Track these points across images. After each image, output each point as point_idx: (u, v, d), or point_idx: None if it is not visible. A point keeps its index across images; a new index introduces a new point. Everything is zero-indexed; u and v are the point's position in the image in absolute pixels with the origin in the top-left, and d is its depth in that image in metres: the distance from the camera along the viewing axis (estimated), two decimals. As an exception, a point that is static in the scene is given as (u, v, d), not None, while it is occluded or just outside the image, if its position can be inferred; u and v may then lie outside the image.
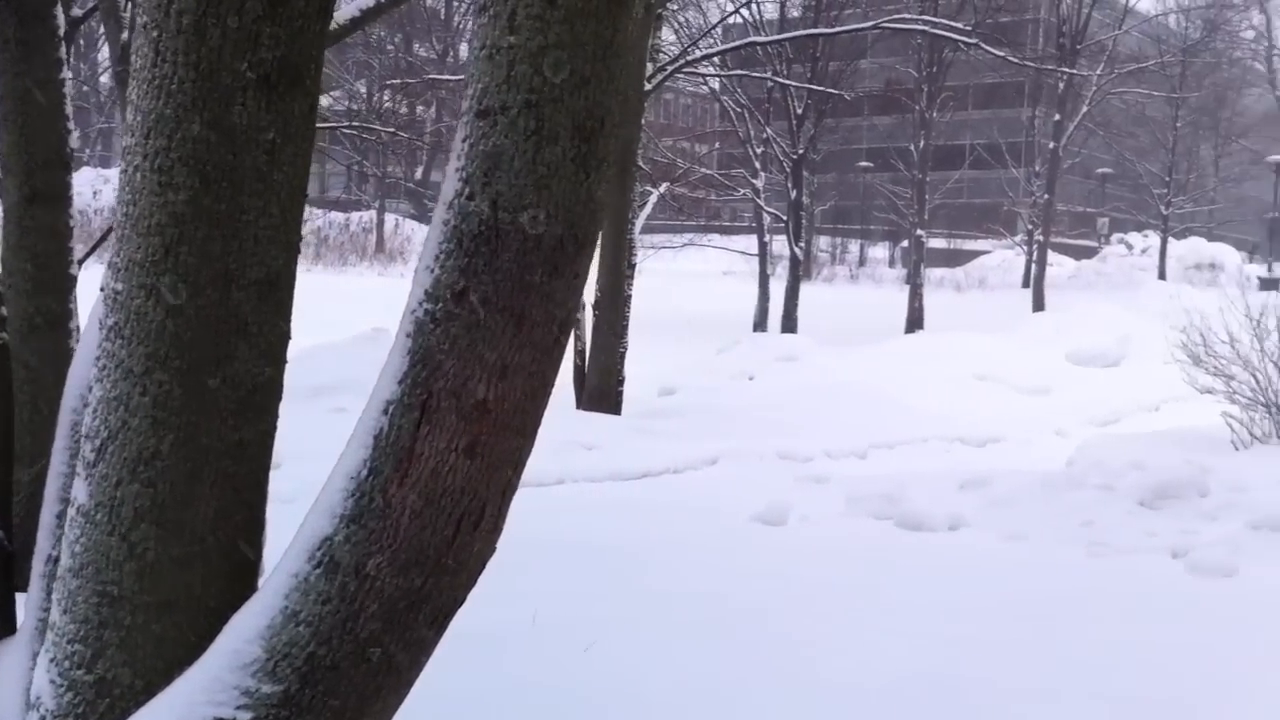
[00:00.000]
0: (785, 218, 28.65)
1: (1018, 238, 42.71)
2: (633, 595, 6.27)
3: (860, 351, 20.62)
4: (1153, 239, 48.02)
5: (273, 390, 2.66)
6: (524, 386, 2.54)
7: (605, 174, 2.59)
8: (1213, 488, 9.03)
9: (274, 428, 2.68)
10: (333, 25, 4.88)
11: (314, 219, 41.10)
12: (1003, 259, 47.84)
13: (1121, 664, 5.65)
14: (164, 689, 2.56)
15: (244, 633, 2.53)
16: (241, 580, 2.66)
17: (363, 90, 44.93)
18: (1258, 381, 13.03)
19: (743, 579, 6.92)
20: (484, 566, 2.64)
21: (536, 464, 9.57)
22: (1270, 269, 45.20)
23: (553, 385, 2.64)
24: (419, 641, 2.58)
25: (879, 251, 55.13)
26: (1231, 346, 13.33)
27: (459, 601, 2.63)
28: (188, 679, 2.54)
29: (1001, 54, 14.24)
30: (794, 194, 28.16)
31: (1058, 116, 34.06)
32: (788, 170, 28.56)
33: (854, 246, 54.26)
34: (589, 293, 16.14)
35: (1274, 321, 13.34)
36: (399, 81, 35.56)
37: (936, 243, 50.52)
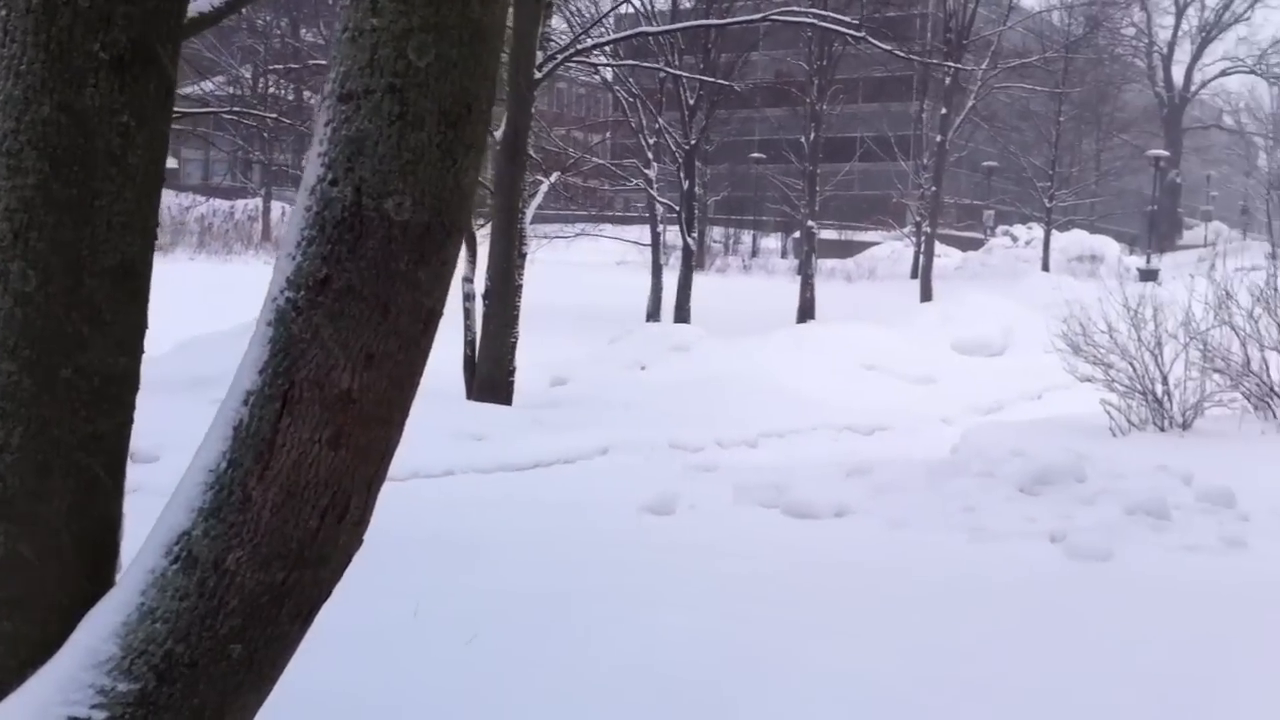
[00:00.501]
0: (678, 208, 28.73)
1: (907, 229, 43.35)
2: (518, 588, 6.22)
3: (752, 341, 20.73)
4: (1037, 231, 49.07)
5: (128, 381, 2.58)
6: (390, 376, 2.50)
7: (474, 160, 2.55)
8: (1090, 474, 9.24)
9: (130, 420, 2.61)
10: (203, 9, 4.76)
11: (198, 207, 40.26)
12: (892, 250, 48.54)
13: (1000, 649, 5.74)
14: (16, 688, 2.47)
15: (99, 630, 2.45)
16: (97, 576, 2.58)
17: (248, 75, 44.08)
18: (1135, 370, 13.37)
19: (631, 570, 6.91)
20: (349, 560, 2.59)
21: (424, 455, 9.58)
22: (1149, 260, 46.45)
23: (420, 375, 2.60)
24: (282, 637, 2.52)
25: (771, 242, 55.61)
26: (1110, 336, 13.66)
27: (324, 596, 2.58)
28: (41, 678, 2.46)
29: (888, 48, 14.44)
30: (686, 185, 28.26)
31: (944, 110, 34.62)
32: (680, 161, 28.65)
33: (747, 237, 54.65)
34: (479, 282, 16.04)
35: (1150, 311, 13.70)
36: (284, 67, 34.94)
37: (828, 234, 51.08)
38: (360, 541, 2.61)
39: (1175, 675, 5.41)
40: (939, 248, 49.11)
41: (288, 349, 2.43)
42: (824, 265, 44.82)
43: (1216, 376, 13.58)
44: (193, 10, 4.60)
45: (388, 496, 8.36)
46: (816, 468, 10.45)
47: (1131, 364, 13.38)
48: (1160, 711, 4.94)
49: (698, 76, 25.88)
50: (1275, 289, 13.87)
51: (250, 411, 2.45)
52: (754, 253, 52.58)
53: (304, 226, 2.45)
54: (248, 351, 2.50)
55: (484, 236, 16.42)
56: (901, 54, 13.52)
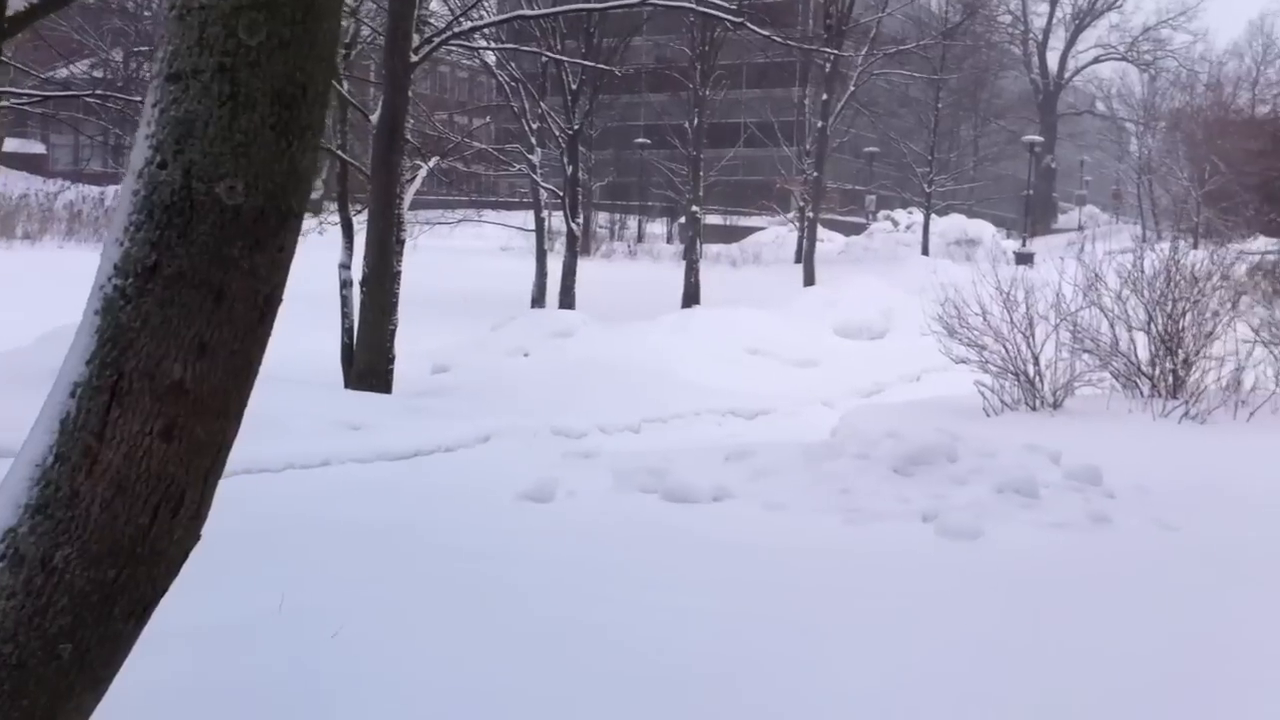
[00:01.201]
0: (562, 194, 28.63)
1: (790, 214, 43.77)
2: (388, 579, 6.13)
3: (636, 327, 20.78)
4: (917, 216, 49.89)
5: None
6: (225, 366, 2.42)
7: (311, 142, 2.48)
8: (962, 454, 9.39)
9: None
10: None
11: (66, 193, 39.09)
12: (777, 235, 48.96)
13: (869, 627, 5.80)
14: None
15: (-81, 633, 2.34)
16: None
17: (118, 59, 42.85)
18: (1007, 351, 13.66)
19: (506, 559, 6.85)
20: (186, 555, 2.51)
21: (299, 446, 9.39)
22: (1024, 244, 47.48)
23: (259, 364, 2.52)
24: (115, 636, 2.44)
25: (657, 228, 55.71)
26: (983, 319, 13.91)
27: (159, 593, 2.49)
28: None
29: (766, 34, 14.53)
30: (570, 170, 28.17)
31: (825, 96, 34.99)
32: (563, 146, 28.54)
33: (632, 222, 54.70)
34: (356, 269, 15.80)
35: (1022, 294, 13.99)
36: (153, 49, 33.98)
37: (713, 219, 51.33)
38: (197, 537, 2.52)
39: (1041, 649, 5.52)
40: (822, 232, 49.65)
41: (116, 338, 2.35)
42: (709, 250, 45.02)
43: (1086, 357, 13.93)
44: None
45: (261, 487, 8.27)
46: (696, 452, 10.48)
47: (1004, 346, 13.67)
48: (1025, 684, 5.03)
49: (578, 61, 25.78)
50: (1142, 271, 14.24)
51: (77, 404, 2.36)
52: (640, 238, 52.63)
53: (131, 211, 2.36)
54: (75, 341, 2.40)
55: (361, 223, 16.20)
56: (779, 39, 13.62)
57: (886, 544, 7.65)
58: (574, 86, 27.75)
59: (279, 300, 2.52)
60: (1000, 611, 6.21)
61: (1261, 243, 31.76)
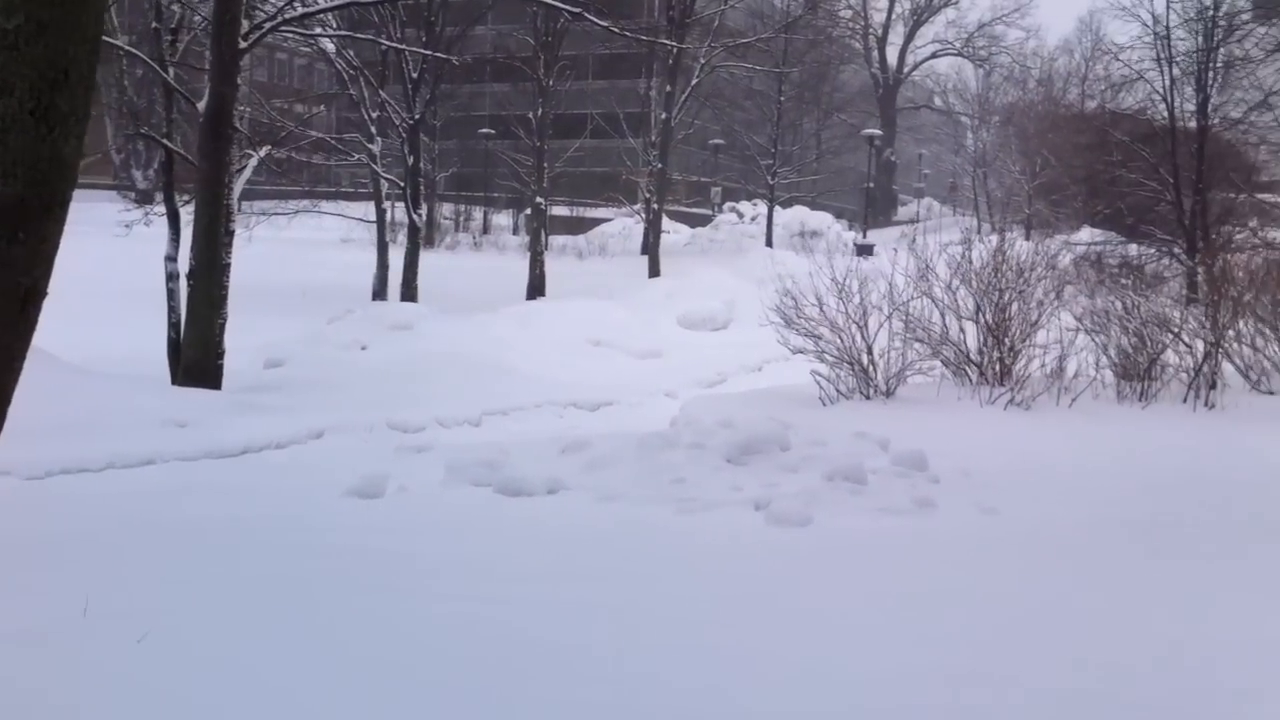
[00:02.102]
0: (403, 184, 28.21)
1: (637, 206, 43.90)
2: (205, 579, 5.96)
3: (478, 319, 20.64)
4: (761, 208, 50.49)
5: None
6: (-17, 361, 2.30)
7: (75, 129, 2.37)
8: (794, 442, 9.53)
9: None
10: None
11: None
12: (623, 226, 49.08)
13: (699, 612, 5.85)
14: None
15: None
16: None
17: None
18: (842, 341, 13.88)
19: (328, 557, 6.71)
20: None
21: (121, 444, 9.09)
22: (864, 235, 48.43)
23: (22, 357, 2.40)
24: None
25: (503, 219, 55.31)
26: (819, 309, 14.12)
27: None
28: None
29: (605, 24, 14.51)
30: (411, 160, 27.77)
31: (669, 88, 35.15)
32: (404, 136, 28.13)
33: (478, 214, 54.25)
34: (183, 261, 15.35)
35: (856, 285, 14.24)
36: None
37: (559, 210, 51.24)
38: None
39: (862, 630, 5.63)
40: (669, 224, 49.94)
41: None
42: (555, 242, 44.93)
43: (918, 346, 14.25)
44: None
45: (80, 487, 7.98)
46: (532, 444, 10.44)
47: (839, 336, 13.89)
48: (846, 663, 5.13)
49: (417, 50, 25.40)
50: (970, 263, 14.62)
51: None
52: (485, 229, 52.23)
53: (-122, 201, 2.22)
54: None
55: (190, 214, 15.73)
56: (617, 30, 13.62)
57: (717, 532, 7.72)
58: (414, 75, 27.35)
59: (43, 293, 2.41)
60: (825, 594, 6.31)
61: (1088, 234, 32.89)
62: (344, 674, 4.72)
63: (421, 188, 30.94)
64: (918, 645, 5.38)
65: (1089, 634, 5.58)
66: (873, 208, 61.71)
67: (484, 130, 51.39)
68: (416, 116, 27.54)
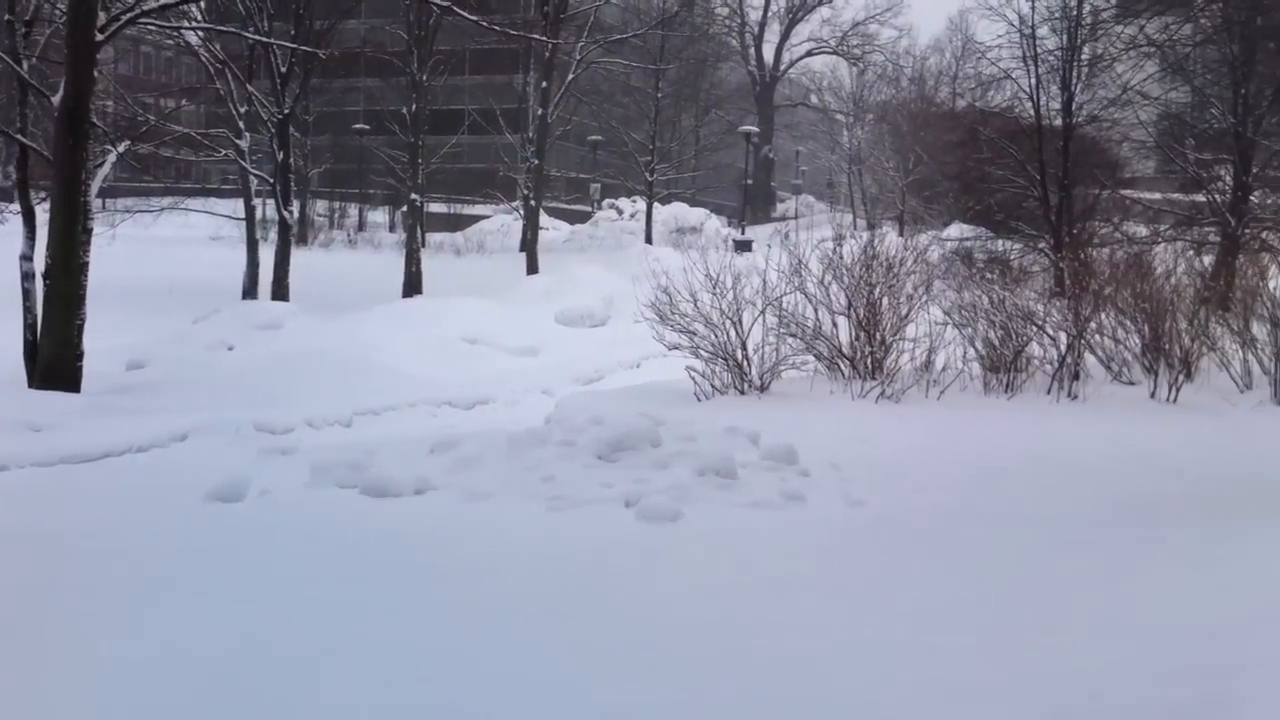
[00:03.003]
0: (273, 180, 27.62)
1: (515, 203, 43.66)
2: (48, 589, 5.71)
3: (351, 318, 20.31)
4: (640, 204, 50.60)
5: None
6: None
7: None
8: (665, 438, 9.49)
9: None
10: None
11: None
12: (502, 224, 48.79)
13: (567, 612, 5.79)
14: None
15: None
16: None
17: None
18: (717, 337, 13.91)
19: (179, 562, 6.50)
20: None
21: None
22: (743, 231, 48.80)
23: None
24: None
25: (379, 216, 54.57)
26: (694, 305, 14.13)
27: None
28: None
29: (474, 19, 14.31)
30: (281, 156, 27.20)
31: (545, 84, 35.00)
32: (273, 131, 27.53)
33: (353, 210, 53.43)
34: (39, 260, 14.83)
35: (730, 280, 14.27)
36: None
37: (437, 207, 50.71)
38: None
39: (723, 622, 5.62)
40: (550, 221, 49.77)
41: None
42: (433, 239, 44.51)
43: (792, 341, 14.34)
44: None
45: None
46: (400, 443, 10.26)
47: (714, 331, 13.92)
48: (717, 655, 5.13)
49: (283, 43, 24.83)
50: (841, 258, 14.76)
51: None
52: (361, 226, 51.44)
53: None
54: None
55: (46, 211, 15.18)
56: (486, 24, 13.41)
57: (587, 530, 7.65)
58: (283, 69, 26.78)
59: None
60: (690, 587, 6.31)
61: (958, 229, 33.52)
62: (185, 686, 4.55)
63: (292, 184, 30.32)
64: (780, 633, 5.39)
65: (944, 621, 5.65)
66: (751, 204, 62.21)
67: (359, 126, 50.66)
68: (286, 111, 26.96)
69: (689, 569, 6.78)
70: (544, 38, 26.34)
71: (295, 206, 33.30)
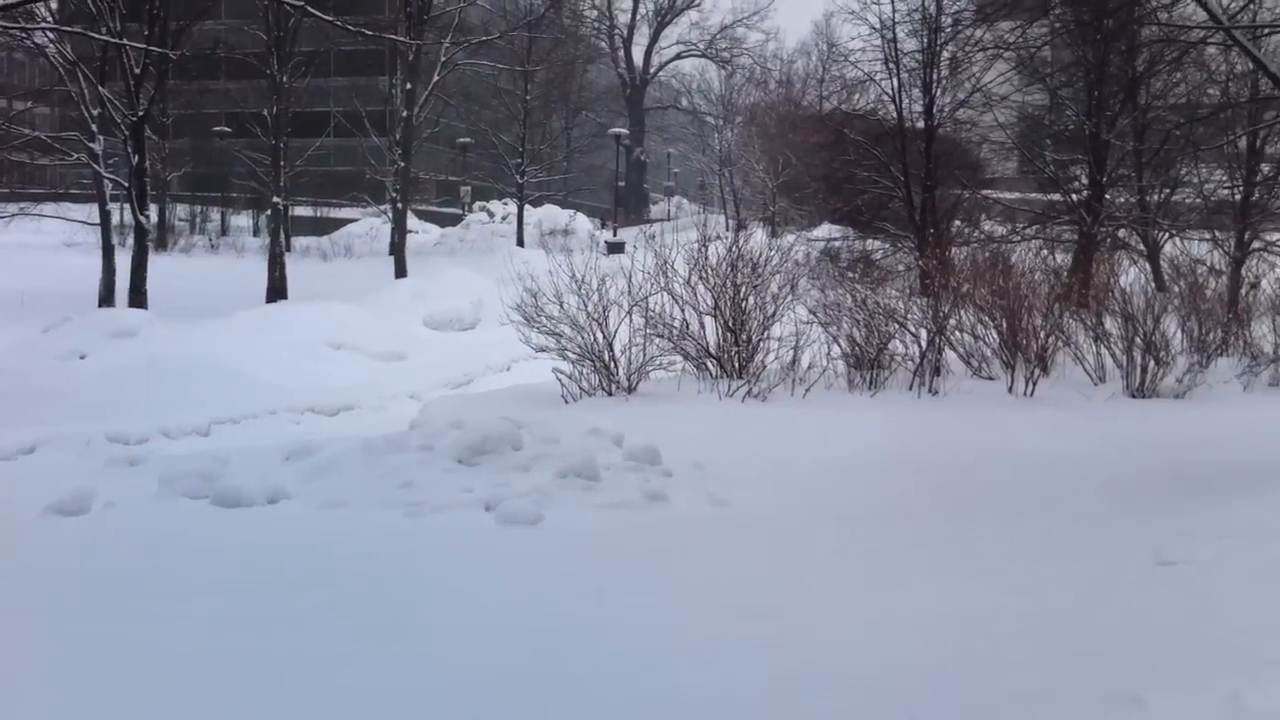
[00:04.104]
0: (128, 184, 26.75)
1: (384, 206, 43.05)
2: None
3: (210, 325, 19.77)
4: (512, 207, 50.29)
5: None
6: None
7: None
8: (527, 441, 9.36)
9: None
10: None
11: None
12: (371, 227, 48.06)
13: (424, 623, 5.65)
14: None
15: None
16: None
17: None
18: (584, 339, 13.83)
19: (13, 578, 6.20)
20: None
21: None
22: (615, 233, 48.80)
23: None
24: None
25: (242, 220, 53.26)
26: (560, 307, 14.03)
27: None
28: None
29: (330, 19, 13.94)
30: (136, 159, 26.36)
31: (410, 86, 34.52)
32: (127, 134, 26.65)
33: (216, 214, 52.12)
34: None
35: (596, 282, 14.19)
36: None
37: (303, 211, 49.79)
38: None
39: (578, 626, 5.56)
40: (420, 224, 49.21)
41: None
42: (299, 243, 43.70)
43: (659, 341, 14.32)
44: None
45: None
46: (254, 452, 9.97)
47: (580, 333, 13.84)
48: (560, 658, 5.06)
49: (134, 44, 24.04)
50: (707, 258, 14.79)
51: None
52: (223, 231, 50.17)
53: None
54: None
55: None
56: (340, 24, 13.07)
57: (445, 535, 7.53)
58: (137, 71, 25.96)
59: None
60: (545, 591, 6.23)
61: (826, 230, 33.94)
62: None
63: (149, 188, 29.42)
64: (632, 635, 5.34)
65: (796, 617, 5.65)
66: (624, 206, 62.25)
67: (220, 129, 49.50)
68: (141, 114, 26.14)
69: (548, 572, 6.69)
70: (406, 39, 25.91)
71: (153, 211, 32.32)
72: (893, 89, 27.21)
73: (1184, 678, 4.00)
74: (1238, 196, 23.34)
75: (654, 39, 77.47)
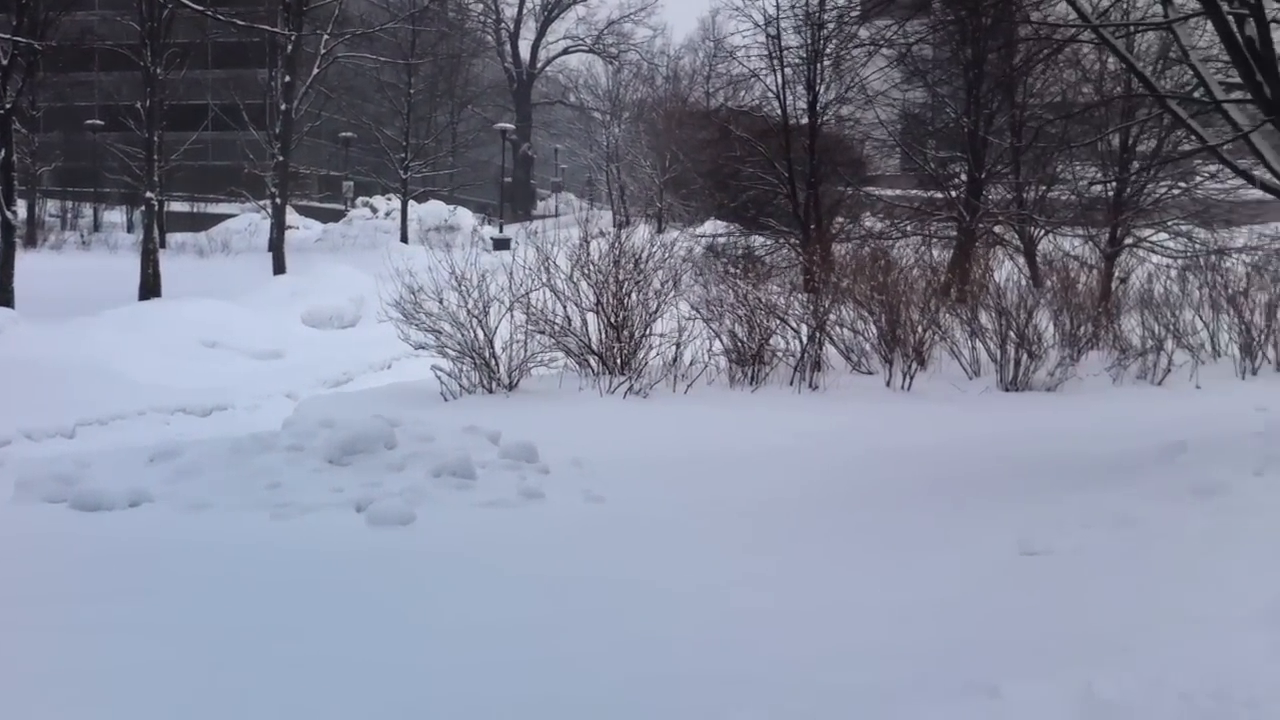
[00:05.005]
0: (-8, 180, 25.82)
1: (263, 201, 42.21)
2: None
3: (78, 323, 19.18)
4: (396, 202, 49.64)
5: None
6: None
7: None
8: (401, 440, 9.20)
9: None
10: None
11: None
12: (250, 222, 47.04)
13: (287, 628, 5.50)
14: None
15: None
16: None
17: None
18: (464, 336, 13.66)
19: None
20: None
21: None
22: (501, 229, 48.48)
23: None
24: None
25: (116, 215, 51.77)
26: (440, 304, 13.85)
27: None
28: None
29: (202, 10, 13.57)
30: (2, 153, 25.46)
31: (289, 78, 33.88)
32: (-9, 126, 25.72)
33: (88, 210, 50.59)
34: None
35: (476, 279, 14.03)
36: None
37: (180, 206, 48.63)
38: None
39: (453, 629, 5.44)
40: (301, 219, 48.34)
41: None
42: (175, 239, 42.70)
43: (540, 337, 14.21)
44: None
45: None
46: (117, 454, 9.65)
47: (460, 330, 13.67)
48: (430, 659, 4.93)
49: (-1, 35, 23.25)
50: (589, 254, 14.70)
51: None
52: (96, 227, 48.70)
53: None
54: None
55: None
56: (213, 15, 12.69)
57: (313, 537, 7.35)
58: (4, 62, 25.08)
59: None
60: (415, 593, 6.11)
61: (712, 226, 34.05)
62: None
63: (16, 183, 28.46)
64: (500, 636, 5.25)
65: (671, 613, 5.60)
66: (511, 202, 61.88)
67: (92, 122, 48.09)
68: (7, 106, 25.28)
69: (418, 573, 6.55)
70: (284, 31, 25.38)
71: (21, 207, 31.29)
72: (777, 85, 27.33)
73: (1039, 667, 4.03)
74: (1111, 193, 23.84)
75: (541, 33, 77.20)
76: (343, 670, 4.89)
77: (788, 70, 27.17)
